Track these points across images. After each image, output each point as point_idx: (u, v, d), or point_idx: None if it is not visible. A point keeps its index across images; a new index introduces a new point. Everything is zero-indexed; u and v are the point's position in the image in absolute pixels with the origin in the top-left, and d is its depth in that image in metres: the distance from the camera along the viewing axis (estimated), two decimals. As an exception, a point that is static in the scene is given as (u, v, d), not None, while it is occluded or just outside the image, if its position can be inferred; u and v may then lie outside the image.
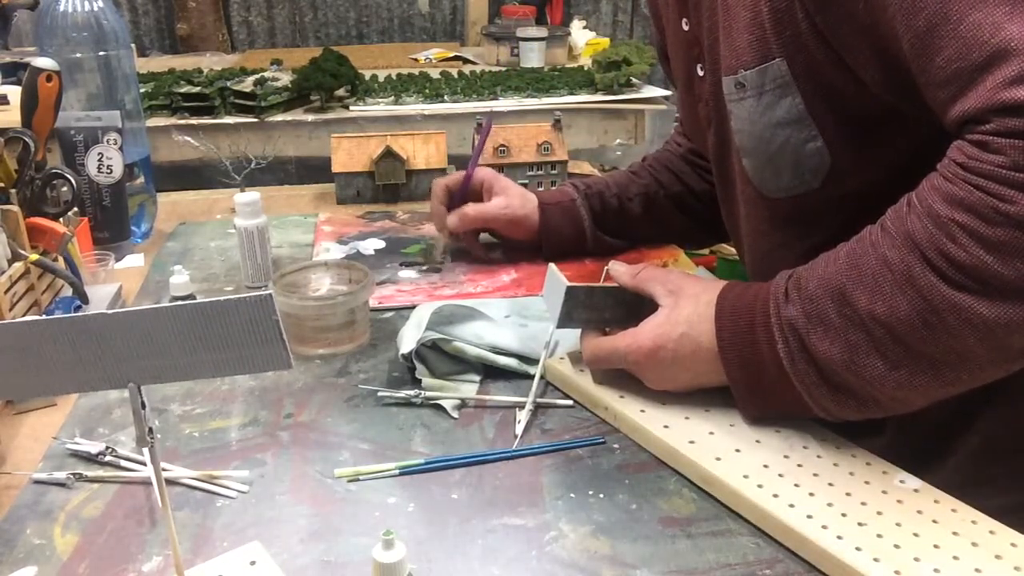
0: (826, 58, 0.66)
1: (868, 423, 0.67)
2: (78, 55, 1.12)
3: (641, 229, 1.08)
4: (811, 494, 0.62)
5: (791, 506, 0.61)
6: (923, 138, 0.65)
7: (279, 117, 1.78)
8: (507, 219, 1.04)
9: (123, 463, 0.69)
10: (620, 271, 0.78)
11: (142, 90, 1.72)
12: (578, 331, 0.79)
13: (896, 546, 0.57)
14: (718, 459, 0.66)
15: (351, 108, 1.83)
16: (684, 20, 0.81)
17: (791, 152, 0.72)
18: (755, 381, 0.68)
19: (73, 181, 0.98)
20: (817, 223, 0.76)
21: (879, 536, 0.58)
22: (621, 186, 1.07)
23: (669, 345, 0.70)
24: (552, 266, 0.80)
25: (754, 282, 0.72)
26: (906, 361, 0.60)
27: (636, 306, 0.76)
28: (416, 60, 2.39)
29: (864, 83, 0.65)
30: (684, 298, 0.72)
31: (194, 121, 1.75)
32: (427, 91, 1.92)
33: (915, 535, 0.58)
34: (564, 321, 0.77)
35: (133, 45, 1.23)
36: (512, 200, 1.04)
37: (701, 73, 0.81)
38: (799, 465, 0.66)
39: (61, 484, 0.67)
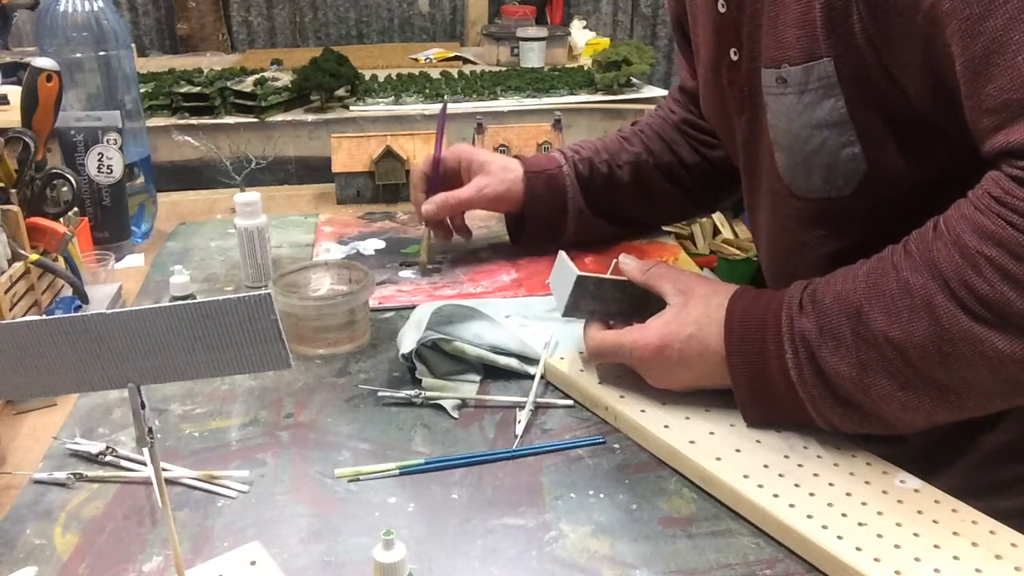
0: (875, 64, 0.64)
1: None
2: (78, 55, 1.12)
3: (628, 198, 1.06)
4: (811, 494, 0.62)
5: (791, 506, 0.61)
6: (959, 155, 0.64)
7: (279, 117, 1.78)
8: (487, 200, 1.02)
9: (123, 463, 0.69)
10: (630, 265, 0.77)
11: (142, 90, 1.72)
12: (579, 330, 0.79)
13: (896, 546, 0.57)
14: (718, 459, 0.66)
15: (351, 108, 1.83)
16: (721, 2, 0.77)
17: (826, 155, 0.70)
18: (760, 388, 0.67)
19: (73, 181, 0.98)
20: (843, 229, 0.75)
21: (879, 536, 0.58)
22: (612, 152, 1.05)
23: (676, 344, 0.70)
24: (562, 253, 0.79)
25: (767, 289, 0.72)
26: (915, 384, 0.60)
27: (643, 302, 0.76)
28: (416, 60, 2.39)
29: (908, 93, 0.64)
30: (694, 298, 0.72)
31: (194, 121, 1.75)
32: (427, 91, 1.92)
33: (915, 535, 0.58)
34: (570, 310, 0.77)
35: (133, 45, 1.23)
36: (490, 177, 1.01)
37: (735, 58, 0.78)
38: (799, 465, 0.65)
39: (61, 484, 0.67)
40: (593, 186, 1.04)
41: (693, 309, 0.71)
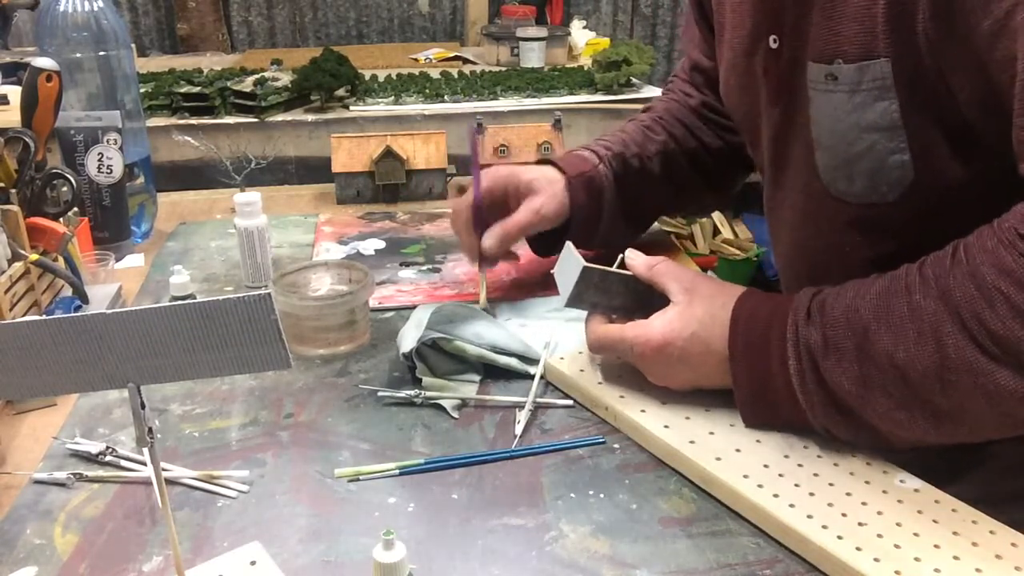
0: (933, 68, 0.62)
1: None
2: (78, 55, 1.12)
3: (657, 189, 1.01)
4: (811, 494, 0.62)
5: (791, 506, 0.61)
6: (1005, 170, 0.61)
7: (279, 117, 1.78)
8: (546, 221, 0.93)
9: (123, 463, 0.69)
10: (637, 260, 0.76)
11: (142, 90, 1.72)
12: (579, 330, 0.78)
13: (896, 546, 0.57)
14: (718, 459, 0.66)
15: (351, 108, 1.83)
16: None
17: (873, 159, 0.67)
18: (760, 392, 0.67)
19: (73, 181, 0.98)
20: (882, 236, 0.72)
21: (879, 536, 0.58)
22: (639, 144, 1.00)
23: (678, 343, 0.69)
24: (569, 244, 0.79)
25: (774, 293, 0.71)
26: (913, 406, 0.60)
27: (648, 298, 0.75)
28: (416, 60, 2.39)
29: (959, 100, 0.63)
30: (699, 298, 0.71)
31: (194, 121, 1.75)
32: (427, 91, 1.92)
33: (915, 535, 0.58)
34: (573, 301, 0.76)
35: (133, 45, 1.23)
36: (542, 196, 0.93)
37: (775, 46, 0.73)
38: (799, 465, 0.65)
39: (61, 484, 0.67)
40: (628, 183, 0.99)
41: (698, 308, 0.70)
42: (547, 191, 0.93)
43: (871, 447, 0.66)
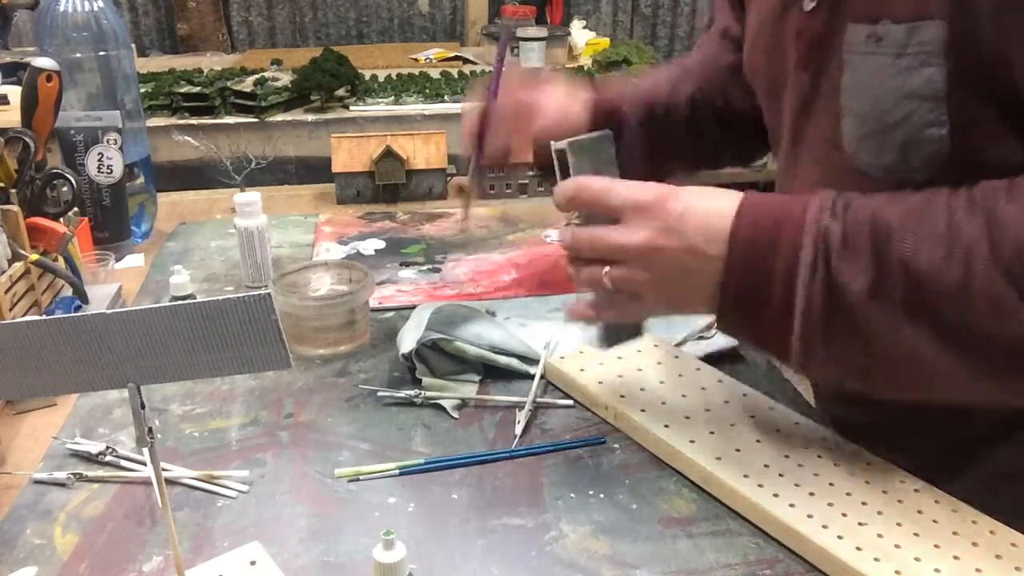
0: (990, 33, 0.56)
1: (888, 434, 0.64)
2: (78, 55, 1.12)
3: (682, 140, 0.95)
4: (811, 494, 0.62)
5: (791, 506, 0.61)
6: None
7: (279, 117, 1.78)
8: (562, 129, 0.84)
9: (123, 463, 0.69)
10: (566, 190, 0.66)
11: (142, 90, 1.72)
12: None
13: (897, 546, 0.57)
14: (718, 459, 0.66)
15: (351, 108, 1.83)
16: None
17: (908, 130, 0.62)
18: (753, 284, 0.59)
19: (73, 181, 0.98)
20: None
21: (879, 536, 0.58)
22: (668, 90, 0.95)
23: (680, 198, 0.61)
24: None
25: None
26: (918, 316, 0.54)
27: None
28: (416, 60, 2.39)
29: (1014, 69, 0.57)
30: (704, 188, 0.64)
31: (194, 121, 1.75)
32: (427, 91, 1.92)
33: (915, 535, 0.58)
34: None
35: (133, 45, 1.23)
36: (562, 105, 0.88)
37: (811, 6, 0.68)
38: (800, 465, 0.65)
39: (61, 484, 0.67)
40: (652, 124, 0.92)
41: (704, 188, 0.63)
42: (567, 103, 0.89)
43: (839, 383, 0.62)
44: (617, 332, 0.71)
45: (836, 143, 0.67)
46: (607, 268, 0.63)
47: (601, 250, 0.63)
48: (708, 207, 0.60)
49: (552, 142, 0.67)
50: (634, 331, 0.71)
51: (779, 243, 0.58)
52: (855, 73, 0.64)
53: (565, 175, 0.66)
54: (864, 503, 0.61)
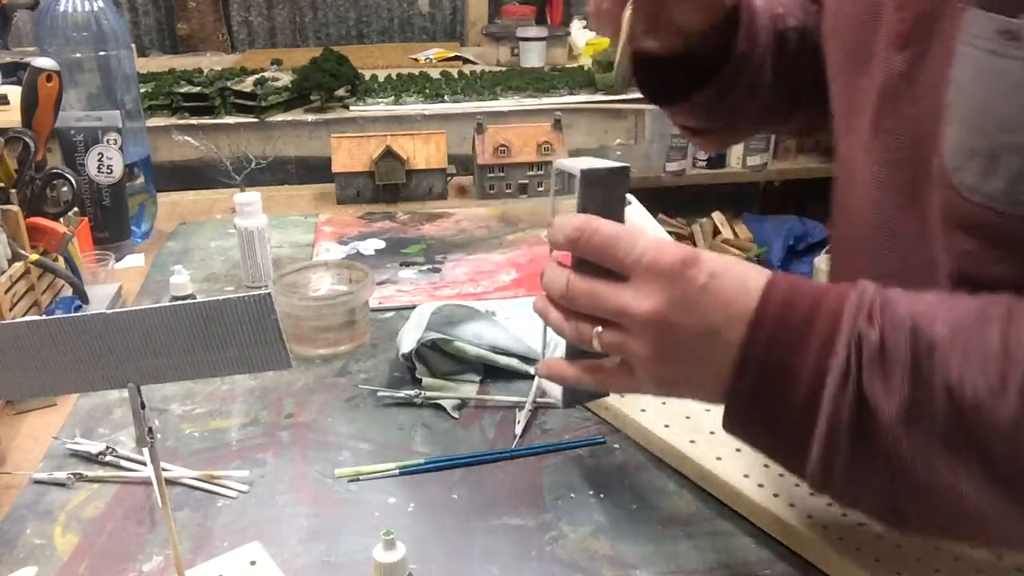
0: None
1: None
2: (78, 55, 1.12)
3: (790, 76, 0.76)
4: (811, 493, 0.62)
5: (791, 505, 0.61)
6: None
7: (279, 117, 1.78)
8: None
9: (123, 463, 0.69)
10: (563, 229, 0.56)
11: (142, 90, 1.72)
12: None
13: (897, 546, 0.57)
14: (719, 458, 0.66)
15: (351, 108, 1.83)
16: None
17: None
18: (771, 383, 0.50)
19: (73, 181, 0.98)
20: (1004, 257, 0.51)
21: (879, 536, 0.58)
22: (782, 13, 0.76)
23: (707, 265, 0.51)
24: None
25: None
26: (960, 452, 0.46)
27: None
28: (416, 60, 2.39)
29: None
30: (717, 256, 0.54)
31: (194, 121, 1.75)
32: (427, 91, 1.92)
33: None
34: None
35: (133, 45, 1.23)
36: None
37: None
38: (799, 465, 0.65)
39: (61, 484, 0.67)
40: (781, 45, 0.75)
41: (730, 259, 0.53)
42: None
43: (870, 516, 0.52)
44: (584, 392, 0.63)
45: (929, 148, 0.54)
46: (600, 328, 0.53)
47: (599, 309, 0.53)
48: (734, 284, 0.51)
49: (555, 160, 0.60)
50: (600, 391, 0.65)
51: (807, 342, 0.49)
52: (971, 72, 0.50)
53: (561, 189, 0.59)
54: (864, 503, 0.61)
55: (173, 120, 1.76)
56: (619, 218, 0.56)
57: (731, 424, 0.53)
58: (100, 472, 0.68)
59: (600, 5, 0.66)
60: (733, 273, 0.51)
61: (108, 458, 0.70)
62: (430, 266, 1.07)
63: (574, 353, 0.59)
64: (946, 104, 0.52)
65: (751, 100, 0.74)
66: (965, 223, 0.52)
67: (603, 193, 0.56)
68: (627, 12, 0.62)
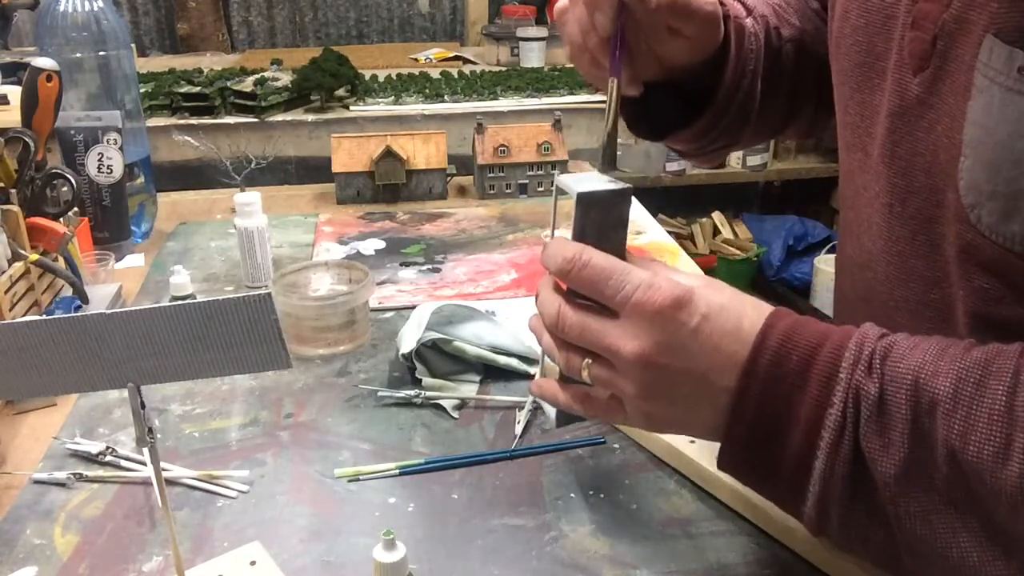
0: None
1: None
2: (78, 55, 1.12)
3: (785, 82, 0.73)
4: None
5: (791, 506, 0.61)
6: None
7: (279, 117, 1.78)
8: (696, 16, 0.62)
9: (123, 463, 0.69)
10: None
11: (142, 90, 1.72)
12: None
13: (896, 546, 0.57)
14: (718, 459, 0.66)
15: (351, 108, 1.83)
16: None
17: None
18: (766, 431, 0.49)
19: (73, 181, 0.98)
20: (1014, 303, 0.50)
21: (879, 536, 0.58)
22: (777, 20, 0.73)
23: (701, 305, 0.49)
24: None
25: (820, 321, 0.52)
26: (964, 512, 0.44)
27: None
28: (416, 60, 2.39)
29: None
30: (726, 286, 0.52)
31: (194, 121, 1.75)
32: (427, 91, 1.92)
33: (915, 535, 0.58)
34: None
35: (133, 45, 1.23)
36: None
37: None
38: (799, 465, 0.65)
39: (61, 484, 0.67)
40: (771, 56, 0.72)
41: (727, 288, 0.52)
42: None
43: (869, 563, 0.52)
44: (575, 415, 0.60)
45: (943, 180, 0.51)
46: (589, 361, 0.52)
47: (588, 343, 0.52)
48: (727, 327, 0.49)
49: (557, 176, 0.58)
50: None
51: (802, 394, 0.47)
52: (992, 111, 0.46)
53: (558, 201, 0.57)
54: (864, 503, 0.61)
55: (173, 120, 1.76)
56: (618, 243, 0.54)
57: (725, 465, 0.52)
58: (100, 472, 0.68)
59: (575, 42, 0.63)
60: (727, 315, 0.49)
61: (108, 458, 0.70)
62: (430, 266, 1.07)
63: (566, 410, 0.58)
64: (963, 138, 0.49)
65: (743, 122, 0.72)
66: (982, 260, 0.50)
67: (601, 216, 0.53)
68: (612, 83, 0.60)
